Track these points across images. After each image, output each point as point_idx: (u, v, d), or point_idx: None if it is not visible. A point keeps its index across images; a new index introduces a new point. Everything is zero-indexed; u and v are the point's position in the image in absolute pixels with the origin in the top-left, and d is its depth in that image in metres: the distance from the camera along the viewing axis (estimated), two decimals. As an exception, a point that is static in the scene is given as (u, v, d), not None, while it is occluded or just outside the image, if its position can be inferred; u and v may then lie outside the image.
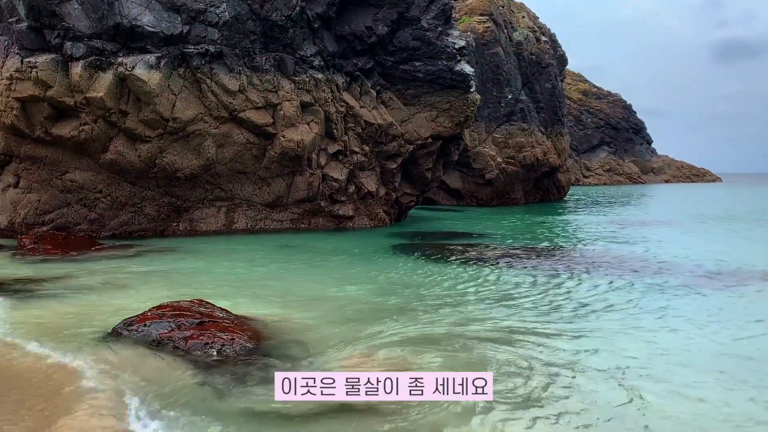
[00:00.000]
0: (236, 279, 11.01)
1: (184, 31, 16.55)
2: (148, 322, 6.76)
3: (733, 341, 7.42)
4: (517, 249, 15.85)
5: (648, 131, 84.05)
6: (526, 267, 12.74)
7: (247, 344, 6.46)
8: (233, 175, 17.78)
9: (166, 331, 6.59)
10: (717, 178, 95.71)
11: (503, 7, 40.62)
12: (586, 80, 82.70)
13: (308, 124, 18.07)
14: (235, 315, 7.50)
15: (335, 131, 18.86)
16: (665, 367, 6.29)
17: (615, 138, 78.80)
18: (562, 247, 16.99)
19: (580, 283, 10.97)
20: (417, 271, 12.05)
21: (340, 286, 10.47)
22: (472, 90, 22.14)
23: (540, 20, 46.57)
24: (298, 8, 18.01)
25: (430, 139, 21.55)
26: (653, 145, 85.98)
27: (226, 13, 16.94)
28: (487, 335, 7.33)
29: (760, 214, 29.74)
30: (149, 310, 7.24)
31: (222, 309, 7.57)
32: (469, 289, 10.32)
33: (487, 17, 37.50)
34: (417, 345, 6.82)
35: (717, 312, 8.93)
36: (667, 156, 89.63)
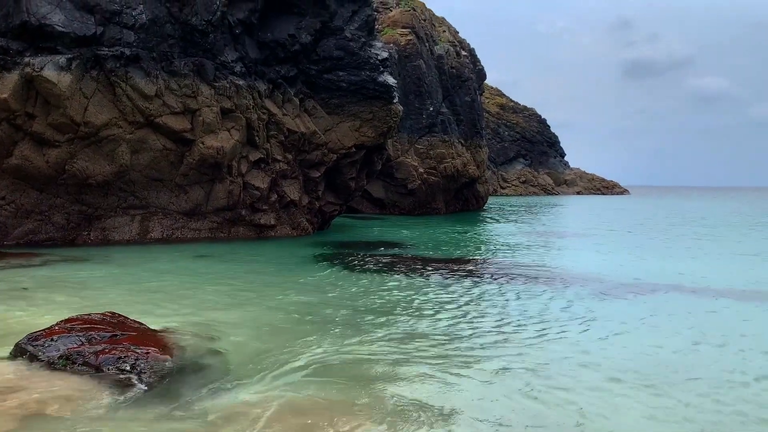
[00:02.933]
0: (151, 290, 10.60)
1: (98, 32, 15.88)
2: (55, 337, 6.38)
3: (635, 349, 7.82)
4: (439, 259, 16.12)
5: (561, 145, 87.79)
6: (445, 276, 12.97)
7: (163, 358, 6.22)
8: (149, 182, 17.16)
9: (75, 345, 6.25)
10: (625, 191, 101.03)
11: (425, 20, 41.42)
12: (504, 94, 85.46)
13: (229, 131, 17.72)
14: (149, 328, 7.22)
15: (257, 139, 18.59)
16: (571, 374, 6.55)
17: (530, 151, 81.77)
18: (480, 257, 17.43)
19: (498, 294, 11.28)
20: (340, 282, 11.99)
21: (260, 297, 10.28)
22: (395, 101, 22.40)
23: (460, 35, 47.81)
24: (219, 13, 17.67)
25: (353, 149, 21.61)
26: (566, 158, 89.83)
27: (143, 16, 16.40)
28: (407, 350, 7.39)
29: (664, 226, 31.58)
30: (57, 323, 6.85)
31: (135, 321, 7.26)
32: (392, 301, 10.36)
33: (409, 30, 38.11)
34: (341, 365, 6.79)
35: (619, 321, 9.39)
36: (579, 168, 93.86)
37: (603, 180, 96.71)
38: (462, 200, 42.83)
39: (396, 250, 17.76)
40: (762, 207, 56.21)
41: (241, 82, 18.29)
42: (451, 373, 6.32)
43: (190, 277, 12.19)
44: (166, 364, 6.14)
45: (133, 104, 16.10)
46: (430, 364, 6.65)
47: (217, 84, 17.65)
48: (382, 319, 8.73)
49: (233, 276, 12.36)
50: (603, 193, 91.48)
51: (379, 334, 7.84)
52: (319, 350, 7.00)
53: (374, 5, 34.06)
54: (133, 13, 16.30)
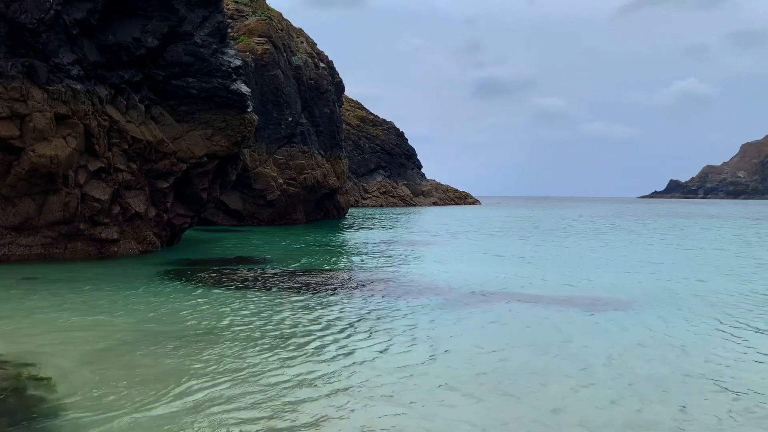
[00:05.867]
0: (-36, 315, 9.45)
1: None
2: None
3: (479, 357, 8.19)
4: (294, 273, 15.96)
5: (418, 157, 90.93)
6: (297, 291, 12.85)
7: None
8: (-32, 194, 15.39)
9: None
10: (476, 201, 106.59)
11: (282, 31, 41.16)
12: (364, 107, 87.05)
13: (64, 138, 16.37)
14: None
15: (97, 147, 17.34)
16: (401, 384, 6.72)
17: (390, 163, 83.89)
18: (335, 269, 17.49)
19: (350, 307, 11.36)
20: (181, 303, 11.25)
21: (90, 322, 9.41)
22: (249, 110, 21.95)
23: (318, 47, 48.02)
24: (52, 12, 16.31)
25: (205, 158, 20.84)
26: (423, 170, 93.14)
27: (-40, 9, 14.75)
28: (245, 379, 7.18)
29: (506, 230, 33.65)
30: None
31: (-65, 352, 6.42)
32: (238, 324, 9.82)
33: (266, 39, 37.68)
34: (171, 398, 6.43)
35: (461, 330, 9.81)
36: (434, 180, 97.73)
37: (456, 191, 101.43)
38: (323, 210, 42.94)
39: (249, 265, 17.32)
40: (589, 214, 61.73)
41: (78, 87, 16.98)
42: (289, 402, 6.21)
43: (13, 300, 11.00)
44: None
45: (-53, 106, 14.40)
46: (268, 391, 6.49)
47: (50, 87, 16.24)
48: (224, 345, 8.22)
49: (63, 299, 11.27)
50: (456, 203, 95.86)
51: (223, 365, 7.37)
52: (150, 381, 6.53)
53: (228, 13, 33.32)
54: (-53, 5, 14.60)
